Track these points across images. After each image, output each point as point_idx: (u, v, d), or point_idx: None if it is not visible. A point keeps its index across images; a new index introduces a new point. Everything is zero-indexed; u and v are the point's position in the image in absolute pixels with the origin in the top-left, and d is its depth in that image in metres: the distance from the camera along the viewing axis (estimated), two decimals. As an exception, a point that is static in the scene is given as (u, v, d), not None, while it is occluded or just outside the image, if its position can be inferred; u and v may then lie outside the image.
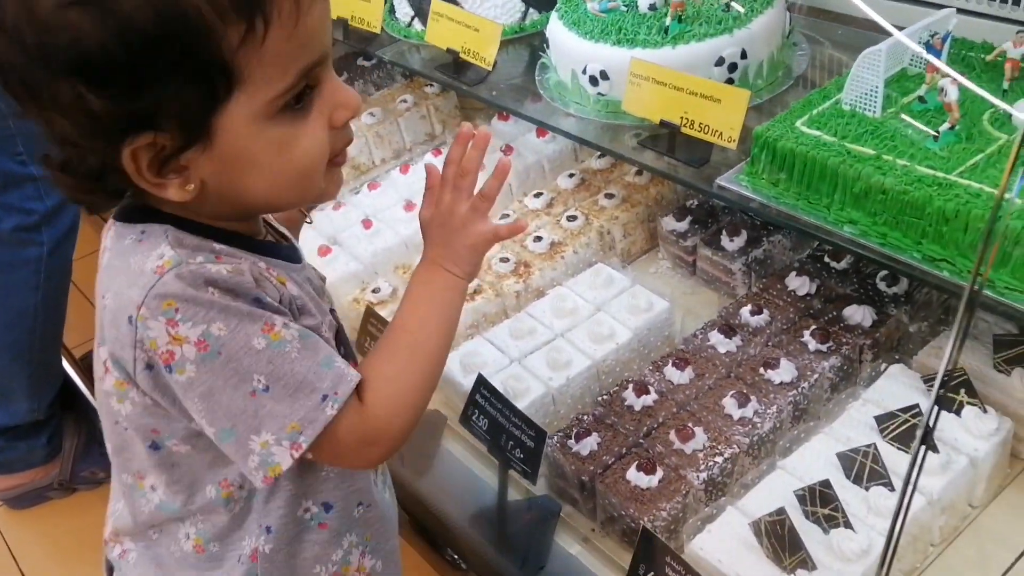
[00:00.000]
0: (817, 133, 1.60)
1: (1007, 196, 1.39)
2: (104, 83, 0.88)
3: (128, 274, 0.99)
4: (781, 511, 1.39)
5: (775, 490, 1.50)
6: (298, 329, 1.01)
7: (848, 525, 1.41)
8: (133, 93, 0.89)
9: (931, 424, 0.97)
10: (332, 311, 1.20)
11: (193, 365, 0.97)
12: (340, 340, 1.18)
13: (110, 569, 1.25)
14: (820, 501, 1.43)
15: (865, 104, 1.62)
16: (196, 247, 1.01)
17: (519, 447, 1.63)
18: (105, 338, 1.03)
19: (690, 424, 1.62)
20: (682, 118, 1.78)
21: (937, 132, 1.53)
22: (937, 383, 0.94)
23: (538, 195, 2.27)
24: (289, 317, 1.02)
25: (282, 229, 1.24)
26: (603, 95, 1.95)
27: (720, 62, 1.84)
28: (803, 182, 1.61)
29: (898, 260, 1.49)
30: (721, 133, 1.73)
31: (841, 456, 1.50)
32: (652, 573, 1.43)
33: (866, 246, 1.53)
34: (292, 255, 1.16)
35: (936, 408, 0.94)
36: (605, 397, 1.73)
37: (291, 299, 1.06)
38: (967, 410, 1.55)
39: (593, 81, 1.93)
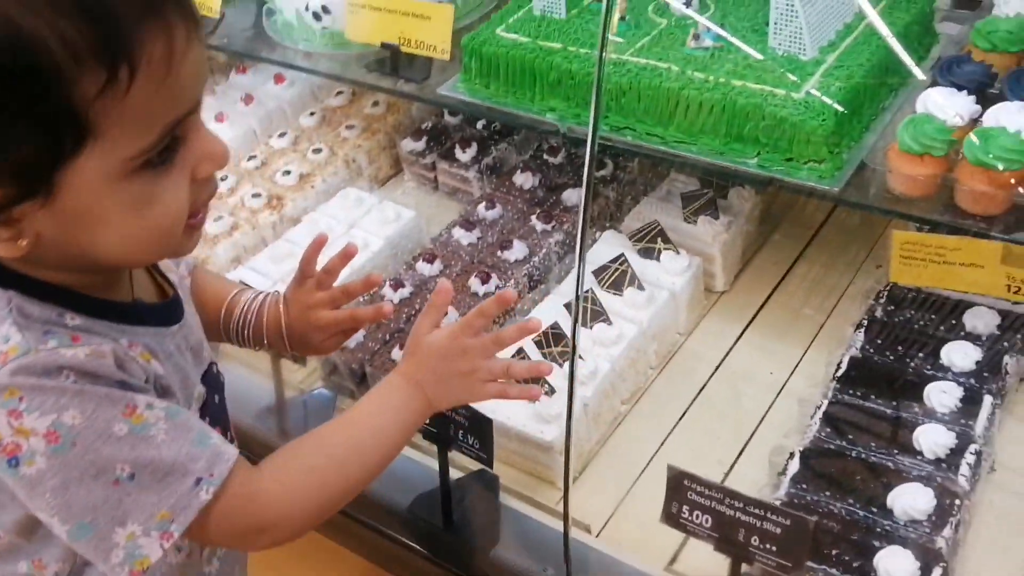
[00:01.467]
0: (515, 36, 1.84)
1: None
2: None
3: None
4: (520, 351, 1.62)
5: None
6: (164, 407, 0.92)
7: (579, 356, 1.66)
8: None
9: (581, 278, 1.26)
10: (212, 366, 1.11)
11: (43, 458, 0.87)
12: (209, 409, 1.08)
13: None
14: (553, 342, 1.68)
15: (552, 8, 1.87)
16: (46, 322, 0.90)
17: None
18: None
19: (441, 304, 1.82)
20: (400, 38, 1.97)
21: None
22: (580, 230, 1.19)
23: (282, 135, 2.39)
24: (154, 395, 0.94)
25: (168, 275, 1.10)
26: (327, 28, 2.10)
27: (430, -13, 2.04)
28: (509, 80, 1.85)
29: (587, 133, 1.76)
30: (435, 47, 1.94)
31: (567, 306, 1.76)
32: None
33: (568, 128, 1.80)
34: (168, 315, 1.04)
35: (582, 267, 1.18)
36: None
37: (155, 378, 0.96)
38: (664, 254, 1.85)
39: (316, 16, 2.08)
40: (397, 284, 1.89)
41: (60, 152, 0.80)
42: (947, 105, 1.48)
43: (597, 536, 1.53)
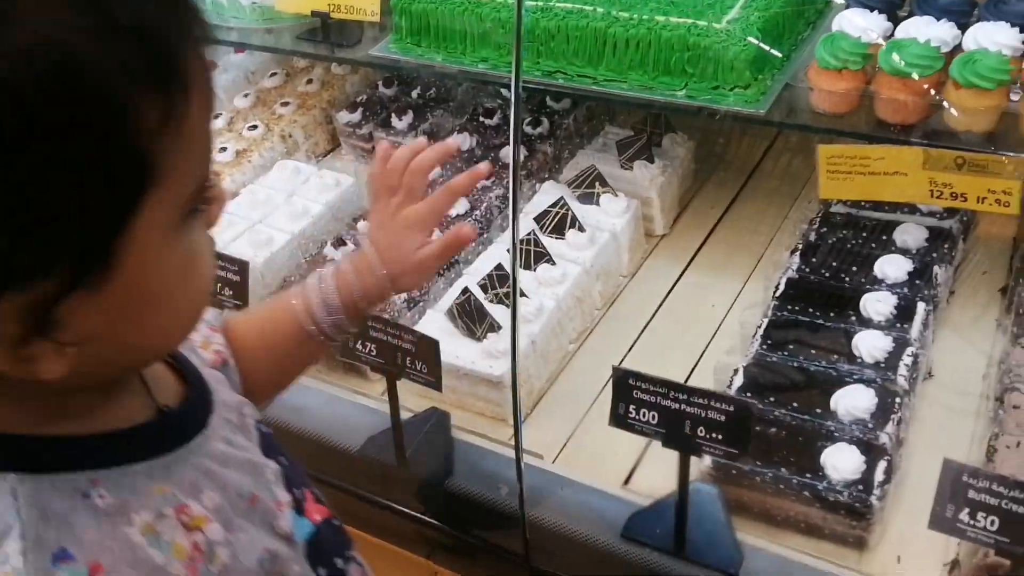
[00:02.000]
0: (443, -8, 1.86)
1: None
2: None
3: None
4: (465, 290, 1.63)
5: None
6: None
7: (523, 294, 1.68)
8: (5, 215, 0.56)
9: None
10: (259, 427, 0.89)
11: None
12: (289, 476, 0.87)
13: None
14: (498, 283, 1.69)
15: (478, -35, 1.90)
16: (63, 521, 0.65)
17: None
18: None
19: (385, 258, 1.83)
20: (329, 5, 1.98)
21: (537, -27, 1.84)
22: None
23: (217, 116, 2.38)
24: None
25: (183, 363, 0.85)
26: (257, 3, 2.11)
27: (357, -45, 2.06)
28: (440, 36, 1.87)
29: (528, 80, 1.79)
30: (364, 10, 1.95)
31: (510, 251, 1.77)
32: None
33: (499, 77, 1.82)
34: (187, 424, 0.79)
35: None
36: (308, 257, 1.90)
37: (212, 544, 0.72)
38: (603, 198, 1.88)
39: (244, -10, 2.08)
40: (338, 242, 1.89)
41: (127, 207, 0.60)
42: (861, 22, 1.54)
43: (553, 462, 1.54)
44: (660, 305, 1.84)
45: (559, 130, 2.16)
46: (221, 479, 0.77)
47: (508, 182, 2.02)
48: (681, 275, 1.91)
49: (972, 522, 1.05)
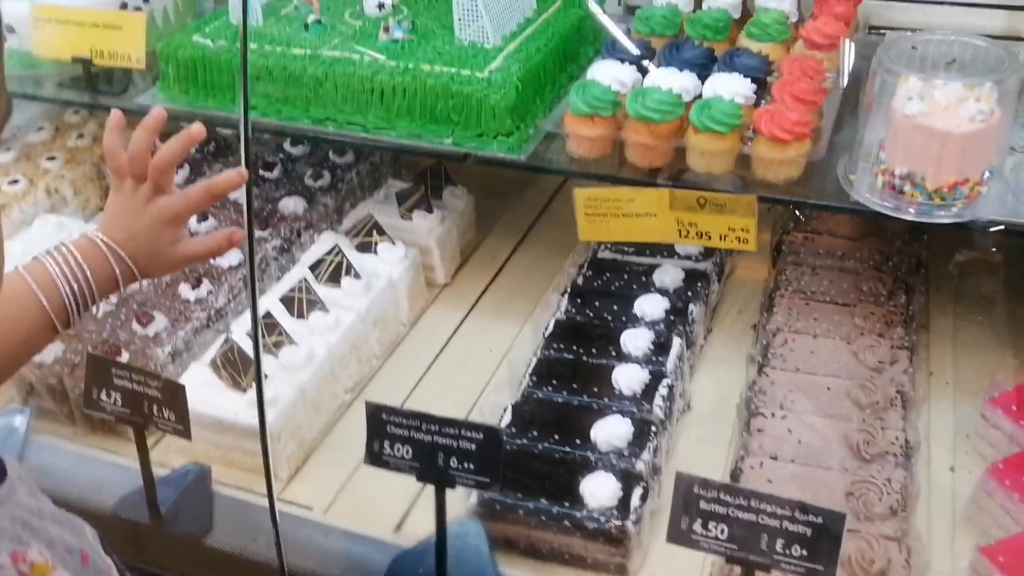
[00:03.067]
0: (210, 41, 1.83)
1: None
2: None
3: None
4: (228, 340, 1.58)
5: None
6: None
7: (293, 342, 1.63)
8: None
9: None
10: None
11: None
12: None
13: None
14: (267, 332, 1.64)
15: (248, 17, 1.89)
16: None
17: None
18: None
19: (149, 311, 1.74)
20: (92, 50, 1.91)
21: (307, 24, 1.85)
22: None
23: (-28, 171, 2.23)
24: None
25: None
26: (14, 49, 2.00)
27: (124, 6, 2.00)
28: (208, 83, 1.83)
29: (297, 128, 1.78)
30: (129, 56, 1.90)
31: (283, 299, 1.73)
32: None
33: (266, 124, 1.80)
34: None
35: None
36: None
37: None
38: (381, 246, 1.88)
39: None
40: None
41: None
42: (612, 72, 1.62)
43: (324, 513, 1.49)
44: (440, 352, 1.84)
45: (341, 183, 2.15)
46: (45, 533, 0.71)
47: (285, 233, 2.00)
48: (461, 322, 1.92)
49: (705, 532, 1.09)
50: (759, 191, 1.54)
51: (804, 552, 1.06)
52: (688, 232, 1.58)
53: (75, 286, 1.04)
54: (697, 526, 1.09)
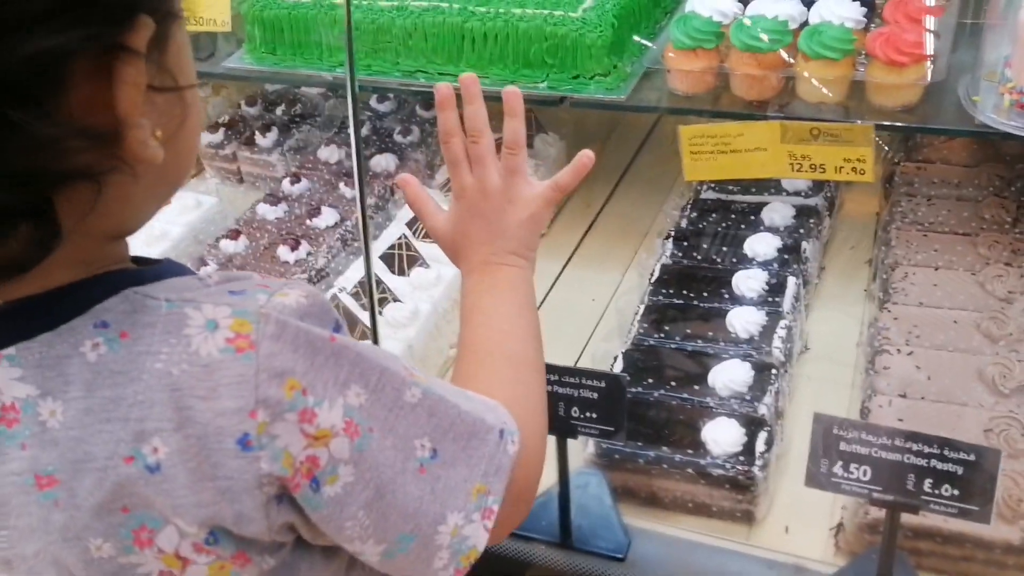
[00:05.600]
0: (294, 0, 1.81)
1: None
2: None
3: (173, 388, 0.59)
4: (333, 298, 1.57)
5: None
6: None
7: (397, 299, 1.62)
8: None
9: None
10: None
11: (348, 466, 0.63)
12: None
13: None
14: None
15: (331, -30, 1.86)
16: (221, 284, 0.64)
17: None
18: (165, 513, 0.61)
19: (251, 274, 1.75)
20: (179, 17, 1.91)
21: (390, -23, 1.81)
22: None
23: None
24: None
25: None
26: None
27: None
28: (294, 42, 1.81)
29: (389, 82, 1.75)
30: (215, 20, 1.88)
31: (383, 257, 1.72)
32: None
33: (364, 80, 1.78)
34: None
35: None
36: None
37: None
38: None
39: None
40: (200, 263, 1.80)
41: None
42: (712, 3, 1.55)
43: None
44: (541, 302, 1.81)
45: (430, 137, 2.13)
46: None
47: (380, 191, 1.98)
48: (561, 271, 1.88)
49: (846, 475, 1.04)
50: (875, 119, 1.46)
51: (955, 492, 1.00)
52: (801, 166, 1.50)
53: None
54: (838, 468, 1.04)
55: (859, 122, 1.44)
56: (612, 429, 1.14)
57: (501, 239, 0.93)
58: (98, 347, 0.60)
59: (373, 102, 2.26)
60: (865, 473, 1.03)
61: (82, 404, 0.59)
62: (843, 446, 1.04)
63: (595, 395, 1.14)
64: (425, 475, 0.68)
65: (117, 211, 0.62)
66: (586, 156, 0.97)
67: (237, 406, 0.58)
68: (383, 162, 2.03)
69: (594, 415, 1.15)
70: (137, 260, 0.70)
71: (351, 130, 1.19)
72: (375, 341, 1.28)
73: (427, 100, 2.16)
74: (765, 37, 1.47)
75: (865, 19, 1.52)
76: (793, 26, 1.53)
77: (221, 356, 0.59)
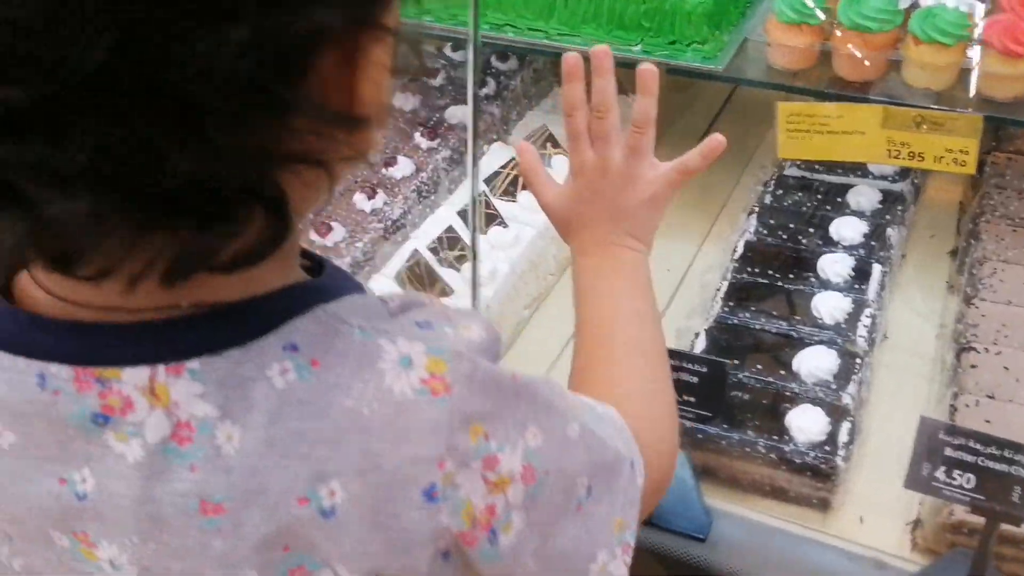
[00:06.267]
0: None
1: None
2: None
3: (362, 429, 0.55)
4: (415, 253, 1.56)
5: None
6: None
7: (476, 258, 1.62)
8: None
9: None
10: None
11: (521, 513, 0.60)
12: None
13: None
14: (449, 245, 1.63)
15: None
16: (396, 313, 0.61)
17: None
18: (328, 558, 0.56)
19: (327, 221, 1.74)
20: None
21: (483, -75, 1.76)
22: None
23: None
24: None
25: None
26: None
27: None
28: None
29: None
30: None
31: (460, 213, 1.71)
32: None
33: (443, 31, 1.75)
34: None
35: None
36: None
37: None
38: (555, 159, 1.82)
39: None
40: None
41: None
42: (821, -23, 1.51)
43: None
44: (613, 271, 1.80)
45: (506, 91, 2.09)
46: None
47: (455, 144, 1.96)
48: (633, 239, 1.87)
49: (948, 480, 1.04)
50: (982, 109, 1.43)
51: (1060, 506, 1.00)
52: (899, 152, 1.47)
53: None
54: (940, 473, 1.04)
55: (969, 111, 1.40)
56: (710, 415, 1.14)
57: (620, 220, 0.92)
58: (287, 373, 0.54)
59: (447, 50, 2.22)
60: (969, 481, 1.03)
61: (262, 433, 0.54)
62: (948, 452, 1.03)
63: (695, 379, 1.14)
64: (581, 512, 0.65)
65: (310, 210, 0.59)
66: (716, 140, 0.93)
67: (429, 454, 0.55)
68: (459, 114, 2.01)
69: (692, 399, 1.14)
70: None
71: (468, 82, 1.18)
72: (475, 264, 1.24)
73: (505, 55, 2.12)
74: (875, 16, 1.43)
75: (979, 3, 1.48)
76: (904, 6, 1.49)
77: (415, 398, 0.55)
